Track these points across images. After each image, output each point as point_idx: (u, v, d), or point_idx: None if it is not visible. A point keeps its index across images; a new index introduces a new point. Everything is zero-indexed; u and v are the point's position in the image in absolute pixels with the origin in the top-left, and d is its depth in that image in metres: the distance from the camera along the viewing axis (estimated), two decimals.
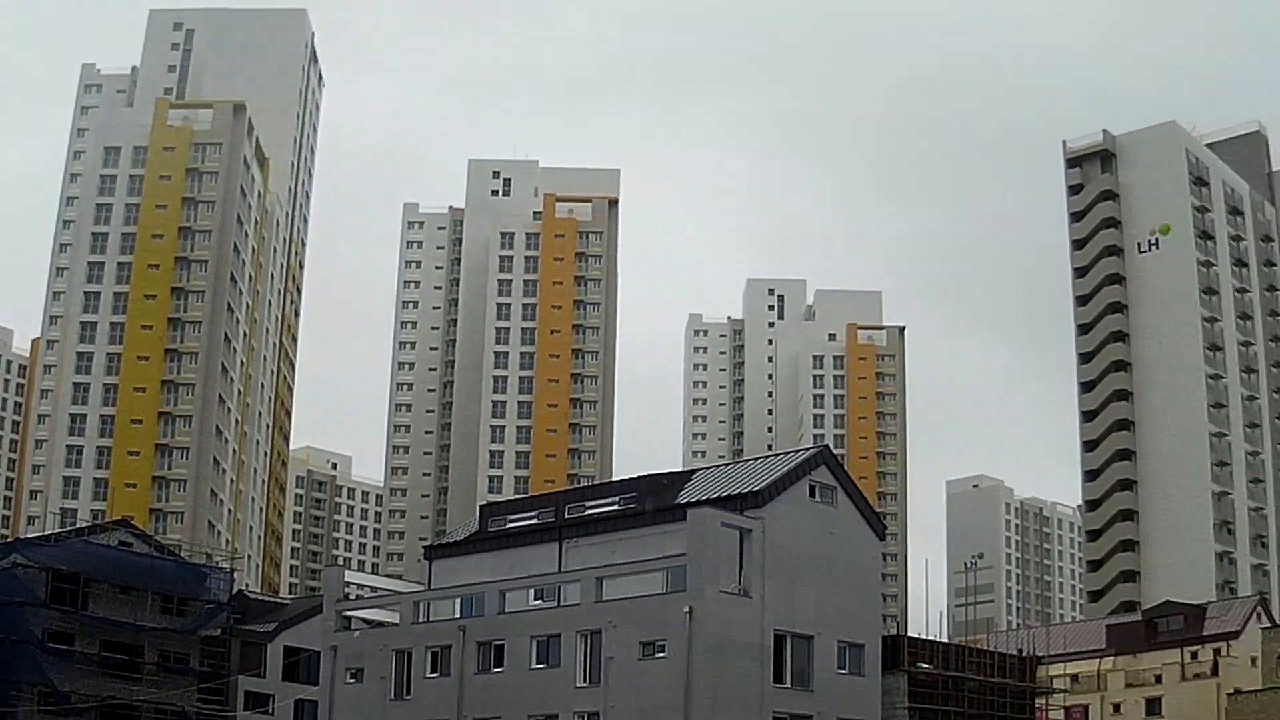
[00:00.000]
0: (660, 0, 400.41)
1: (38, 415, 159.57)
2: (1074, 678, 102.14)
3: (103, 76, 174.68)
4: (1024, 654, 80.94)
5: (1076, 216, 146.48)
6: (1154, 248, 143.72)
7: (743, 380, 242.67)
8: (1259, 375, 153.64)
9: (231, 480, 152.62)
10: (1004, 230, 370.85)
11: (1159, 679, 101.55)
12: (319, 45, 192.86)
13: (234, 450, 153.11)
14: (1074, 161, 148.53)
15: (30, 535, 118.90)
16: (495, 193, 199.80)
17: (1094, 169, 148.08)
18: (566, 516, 72.35)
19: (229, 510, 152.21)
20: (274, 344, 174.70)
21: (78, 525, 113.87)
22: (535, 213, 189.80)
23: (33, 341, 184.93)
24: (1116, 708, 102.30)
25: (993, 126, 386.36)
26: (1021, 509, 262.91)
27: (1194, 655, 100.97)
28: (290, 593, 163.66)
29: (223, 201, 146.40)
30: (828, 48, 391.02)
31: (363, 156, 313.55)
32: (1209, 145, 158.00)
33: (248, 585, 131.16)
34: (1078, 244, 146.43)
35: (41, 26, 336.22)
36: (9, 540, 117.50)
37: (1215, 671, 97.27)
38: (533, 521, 75.29)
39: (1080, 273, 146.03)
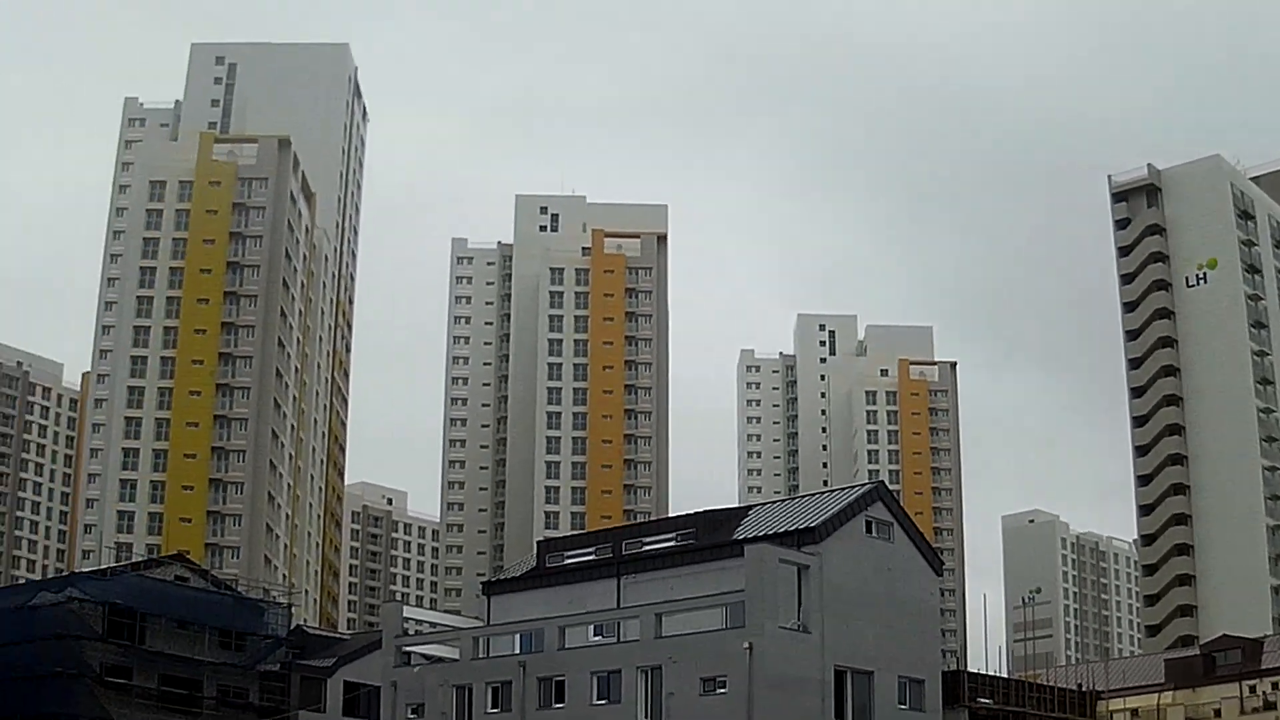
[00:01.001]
0: (701, 32, 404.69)
1: (90, 449, 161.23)
2: (1134, 712, 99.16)
3: (146, 110, 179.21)
4: (1083, 689, 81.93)
5: (1124, 251, 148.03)
6: (1201, 281, 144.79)
7: (796, 416, 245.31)
8: None
9: (287, 515, 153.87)
10: (1049, 264, 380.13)
11: (1218, 713, 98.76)
12: (360, 73, 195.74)
13: (289, 485, 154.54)
14: (1120, 196, 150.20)
15: (86, 570, 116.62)
16: (543, 228, 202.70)
17: (1140, 203, 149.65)
18: (624, 552, 72.82)
19: (285, 545, 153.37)
20: (326, 379, 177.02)
21: (133, 559, 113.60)
22: (584, 248, 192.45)
23: (83, 375, 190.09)
24: None
25: (1033, 160, 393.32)
26: (1077, 543, 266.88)
27: (1252, 689, 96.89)
28: (348, 628, 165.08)
29: (270, 236, 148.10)
30: (872, 81, 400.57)
31: (408, 191, 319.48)
32: (1253, 179, 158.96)
33: (305, 620, 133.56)
34: (1126, 278, 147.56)
35: (83, 58, 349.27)
36: (65, 575, 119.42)
37: (1272, 705, 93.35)
38: (590, 557, 75.89)
39: (1129, 307, 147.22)
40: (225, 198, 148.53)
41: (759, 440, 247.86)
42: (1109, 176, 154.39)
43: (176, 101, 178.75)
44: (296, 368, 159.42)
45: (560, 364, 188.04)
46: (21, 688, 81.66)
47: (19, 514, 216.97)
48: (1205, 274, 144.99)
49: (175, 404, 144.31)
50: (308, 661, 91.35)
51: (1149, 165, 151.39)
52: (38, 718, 79.53)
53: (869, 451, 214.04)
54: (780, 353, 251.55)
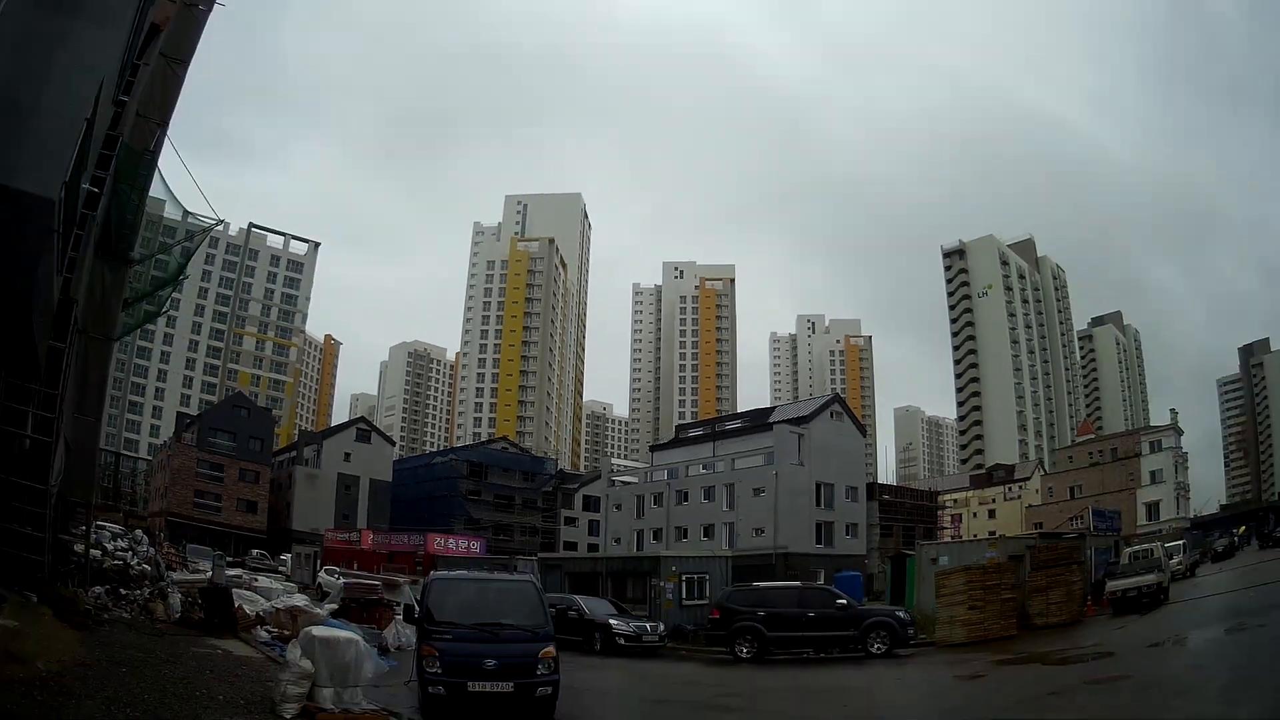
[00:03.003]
0: (741, 169, 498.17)
1: (461, 389, 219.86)
2: (954, 500, 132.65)
3: (483, 227, 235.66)
4: (932, 490, 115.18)
5: (949, 281, 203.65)
6: (984, 296, 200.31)
7: (797, 371, 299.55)
8: (1036, 361, 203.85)
9: (555, 416, 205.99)
10: (916, 291, 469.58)
11: (994, 500, 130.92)
12: (588, 206, 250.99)
13: (556, 402, 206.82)
14: (946, 254, 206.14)
15: (458, 445, 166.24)
16: (678, 276, 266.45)
17: (955, 258, 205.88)
18: (716, 429, 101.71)
19: (554, 430, 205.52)
20: (573, 352, 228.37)
21: (483, 439, 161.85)
22: (695, 287, 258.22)
23: (456, 355, 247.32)
24: (975, 515, 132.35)
25: (901, 231, 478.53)
26: (929, 420, 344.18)
27: (1009, 489, 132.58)
28: (584, 470, 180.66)
29: (546, 286, 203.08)
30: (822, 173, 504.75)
31: (610, 261, 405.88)
32: (1010, 245, 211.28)
33: (563, 468, 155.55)
34: (950, 295, 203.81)
35: (444, 201, 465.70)
36: (448, 448, 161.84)
37: (1019, 496, 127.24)
38: (700, 432, 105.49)
39: (952, 309, 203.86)
40: (524, 268, 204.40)
41: (780, 377, 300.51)
42: (940, 245, 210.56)
43: (498, 224, 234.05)
44: (558, 346, 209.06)
45: (685, 347, 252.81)
46: (427, 504, 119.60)
47: (428, 421, 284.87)
48: (986, 293, 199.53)
49: (502, 368, 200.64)
50: (565, 486, 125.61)
51: (959, 239, 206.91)
52: (435, 518, 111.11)
53: (831, 384, 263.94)
54: (789, 334, 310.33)
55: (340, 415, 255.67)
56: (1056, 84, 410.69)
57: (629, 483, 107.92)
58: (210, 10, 37.45)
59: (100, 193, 27.44)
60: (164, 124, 35.53)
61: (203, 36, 38.05)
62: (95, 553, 39.84)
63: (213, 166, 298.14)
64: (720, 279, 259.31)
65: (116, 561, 41.45)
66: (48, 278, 16.39)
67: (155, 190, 35.91)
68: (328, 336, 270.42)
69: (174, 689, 16.53)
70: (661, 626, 39.05)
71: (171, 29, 34.35)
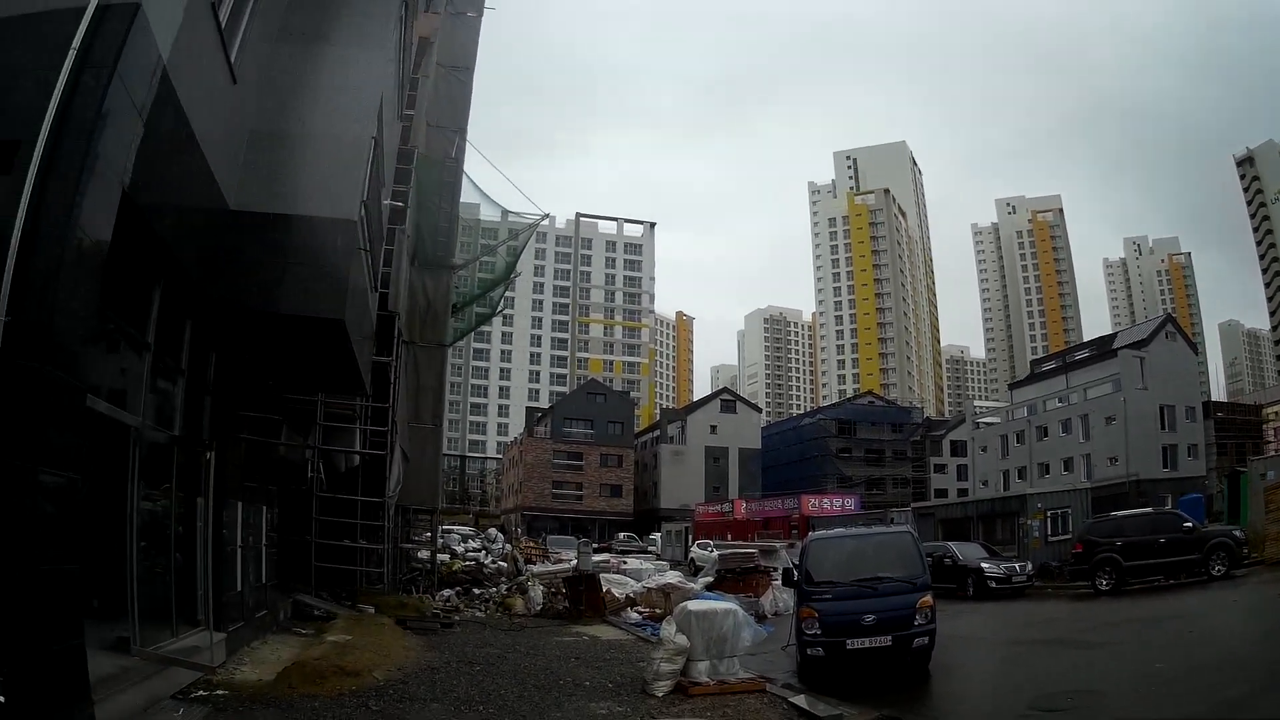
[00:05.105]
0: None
1: (820, 350, 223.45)
2: (1276, 414, 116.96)
3: (818, 186, 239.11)
4: (1257, 405, 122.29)
5: (1245, 190, 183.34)
6: (1277, 201, 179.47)
7: (1131, 295, 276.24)
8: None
9: (916, 365, 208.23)
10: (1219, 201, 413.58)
11: None
12: (914, 153, 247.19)
13: (914, 350, 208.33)
14: (1239, 162, 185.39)
15: (824, 405, 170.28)
16: (1010, 212, 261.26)
17: (1247, 165, 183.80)
18: (1067, 361, 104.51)
19: (916, 379, 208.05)
20: (925, 303, 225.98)
21: (848, 396, 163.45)
22: (1029, 221, 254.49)
23: (812, 315, 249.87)
24: None
25: None
26: (1249, 334, 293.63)
27: None
28: (948, 415, 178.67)
29: (890, 239, 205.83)
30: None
31: (937, 198, 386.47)
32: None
33: (928, 416, 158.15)
34: (1249, 203, 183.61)
35: (762, 166, 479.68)
36: (815, 409, 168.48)
37: None
38: (1054, 364, 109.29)
39: (1252, 217, 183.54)
40: (865, 221, 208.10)
41: (1117, 302, 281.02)
42: (1231, 154, 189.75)
43: (832, 180, 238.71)
44: (909, 294, 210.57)
45: (1028, 276, 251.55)
46: (798, 467, 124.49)
47: (792, 384, 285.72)
48: (1278, 198, 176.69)
49: (859, 322, 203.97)
50: (932, 433, 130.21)
51: (1245, 147, 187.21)
52: (807, 480, 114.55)
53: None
54: (1116, 257, 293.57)
55: (702, 389, 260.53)
56: None
57: (991, 423, 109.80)
58: (481, 15, 40.21)
59: (405, 206, 29.04)
60: (460, 131, 38.12)
61: (480, 41, 40.56)
62: (443, 556, 42.20)
63: (520, 163, 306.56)
64: (1049, 209, 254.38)
65: (468, 563, 44.14)
66: (361, 295, 17.37)
67: (467, 194, 38.59)
68: (679, 313, 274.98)
69: (534, 680, 17.21)
70: (1030, 565, 38.90)
71: (443, 39, 36.33)
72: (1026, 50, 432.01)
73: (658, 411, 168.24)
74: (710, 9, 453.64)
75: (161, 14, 10.09)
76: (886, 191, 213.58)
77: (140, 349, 12.41)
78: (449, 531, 61.97)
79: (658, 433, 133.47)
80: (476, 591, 33.60)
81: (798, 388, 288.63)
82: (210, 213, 13.36)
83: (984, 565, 37.21)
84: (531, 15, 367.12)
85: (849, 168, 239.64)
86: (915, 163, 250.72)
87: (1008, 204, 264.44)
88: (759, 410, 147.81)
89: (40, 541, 8.26)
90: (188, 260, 12.61)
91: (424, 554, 38.65)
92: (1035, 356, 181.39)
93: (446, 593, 32.01)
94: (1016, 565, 37.97)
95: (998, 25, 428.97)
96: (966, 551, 39.00)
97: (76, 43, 9.07)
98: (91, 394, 9.90)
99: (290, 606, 22.47)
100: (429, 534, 40.64)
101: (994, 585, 36.29)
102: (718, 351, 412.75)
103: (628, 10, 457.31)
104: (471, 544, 57.88)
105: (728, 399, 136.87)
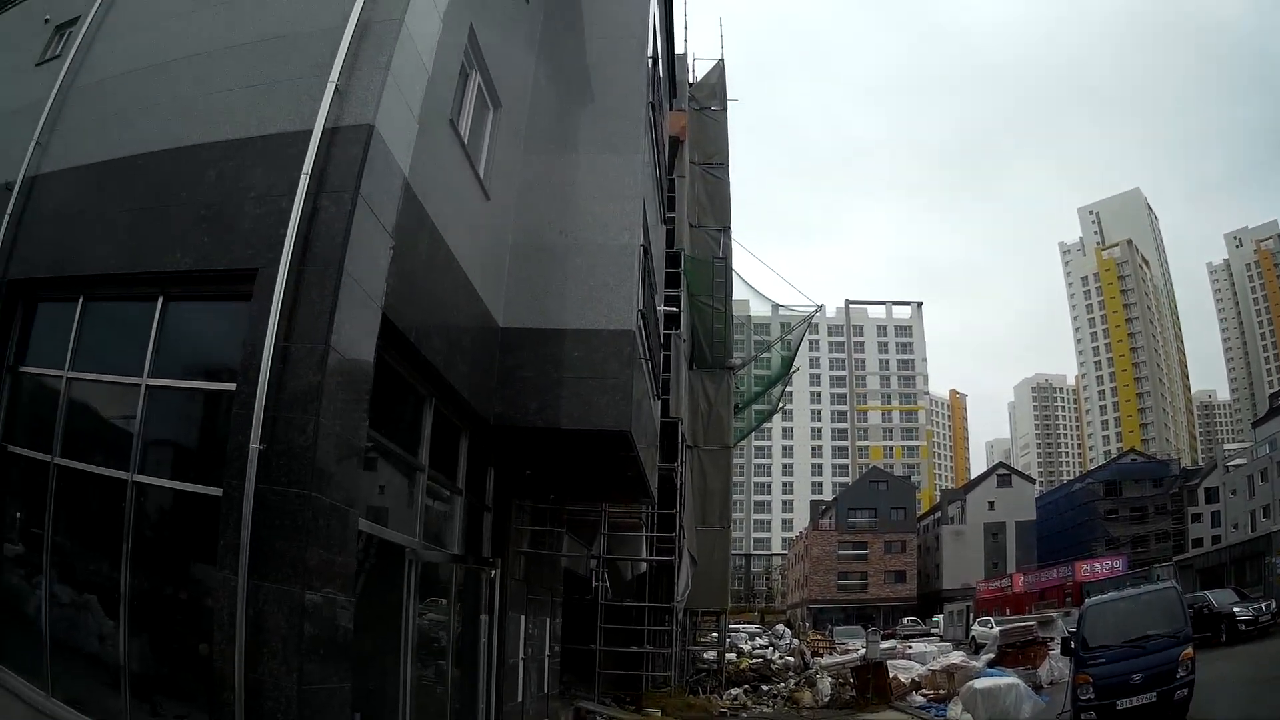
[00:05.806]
0: None
1: (1085, 412, 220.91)
2: None
3: (1067, 245, 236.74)
4: None
5: None
6: None
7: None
8: None
9: (1171, 417, 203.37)
10: None
11: None
12: (1148, 198, 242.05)
13: (1169, 401, 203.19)
14: None
15: (1092, 467, 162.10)
16: (1237, 245, 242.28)
17: None
18: None
19: (1171, 430, 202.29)
20: (1175, 351, 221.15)
21: (1113, 456, 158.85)
22: (1255, 253, 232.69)
23: (1075, 378, 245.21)
24: None
25: None
26: None
27: None
28: (1201, 462, 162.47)
29: (1138, 290, 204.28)
30: None
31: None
32: None
33: (1184, 465, 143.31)
34: None
35: (1007, 228, 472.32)
36: (1085, 473, 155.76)
37: None
38: None
39: None
40: (1114, 275, 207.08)
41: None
42: None
43: (1079, 238, 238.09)
44: (1160, 345, 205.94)
45: (1259, 309, 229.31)
46: (1071, 533, 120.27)
47: (1061, 449, 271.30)
48: None
49: (1118, 379, 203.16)
50: (1188, 483, 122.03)
51: None
52: (1079, 546, 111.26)
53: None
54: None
55: (978, 465, 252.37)
56: None
57: (1239, 464, 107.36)
58: (726, 110, 40.09)
59: (678, 310, 28.06)
60: (725, 229, 37.58)
61: (730, 135, 40.13)
62: (730, 655, 41.43)
63: (776, 247, 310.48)
64: (1270, 236, 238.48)
65: (755, 660, 44.51)
66: (644, 404, 16.84)
67: (738, 292, 37.50)
68: (952, 391, 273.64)
69: None
70: (1275, 604, 39.40)
71: (693, 135, 36.05)
72: (1234, 77, 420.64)
73: (937, 493, 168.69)
74: (926, 75, 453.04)
75: (398, 133, 10.20)
76: (1130, 243, 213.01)
77: (413, 470, 12.60)
78: (735, 630, 62.37)
79: (938, 514, 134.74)
80: (764, 688, 33.67)
81: (1067, 452, 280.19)
82: (479, 331, 13.67)
83: (1235, 610, 38.00)
84: (767, 99, 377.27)
85: (1093, 221, 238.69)
86: (1150, 208, 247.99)
87: (1235, 237, 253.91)
88: (1032, 481, 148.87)
89: (309, 660, 8.48)
90: (458, 379, 12.75)
91: (711, 654, 38.84)
92: (1274, 390, 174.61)
93: (734, 691, 32.17)
94: (1262, 605, 38.90)
95: (1203, 54, 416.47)
96: (1220, 598, 39.82)
97: (307, 166, 9.33)
98: (363, 517, 10.01)
99: (572, 714, 22.51)
100: (715, 634, 41.10)
101: (1244, 628, 36.93)
102: (993, 426, 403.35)
103: (853, 83, 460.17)
104: (758, 641, 59.41)
105: (1003, 473, 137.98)
